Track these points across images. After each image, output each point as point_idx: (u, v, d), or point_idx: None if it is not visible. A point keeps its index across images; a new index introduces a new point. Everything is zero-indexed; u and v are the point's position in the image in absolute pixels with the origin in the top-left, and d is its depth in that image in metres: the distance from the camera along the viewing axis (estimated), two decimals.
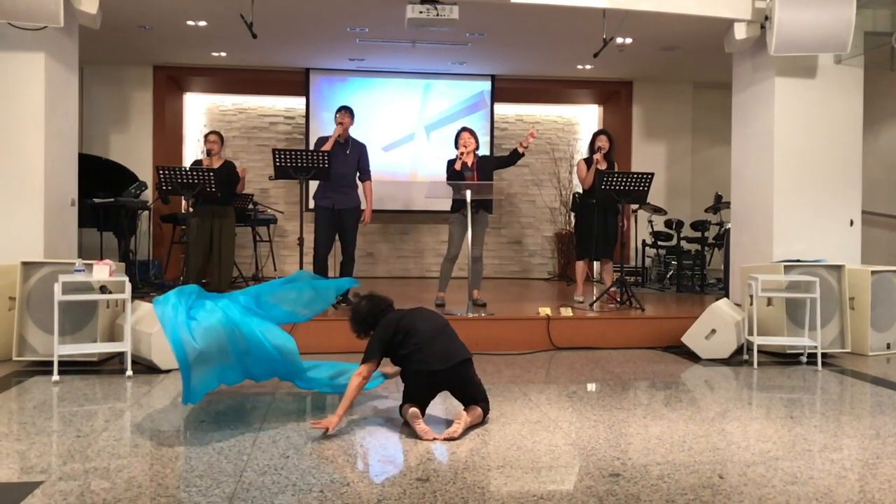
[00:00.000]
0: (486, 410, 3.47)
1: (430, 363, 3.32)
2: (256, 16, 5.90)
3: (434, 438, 3.16)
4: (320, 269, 6.11)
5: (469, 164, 6.13)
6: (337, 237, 6.27)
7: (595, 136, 6.68)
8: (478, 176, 6.09)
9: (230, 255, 6.59)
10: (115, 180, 7.77)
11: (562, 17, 6.64)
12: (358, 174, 6.31)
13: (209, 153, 6.51)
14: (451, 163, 6.21)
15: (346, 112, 6.25)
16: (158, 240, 8.75)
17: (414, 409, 3.29)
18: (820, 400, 4.18)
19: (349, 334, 5.45)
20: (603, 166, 6.49)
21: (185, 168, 6.06)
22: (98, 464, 2.81)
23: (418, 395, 3.39)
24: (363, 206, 6.38)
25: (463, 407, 3.42)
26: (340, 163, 6.07)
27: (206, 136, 6.68)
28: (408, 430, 3.32)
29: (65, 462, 2.84)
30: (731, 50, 6.40)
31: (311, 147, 6.23)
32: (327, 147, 6.02)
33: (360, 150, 6.32)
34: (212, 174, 5.92)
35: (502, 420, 3.51)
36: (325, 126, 8.79)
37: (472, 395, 3.46)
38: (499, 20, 6.97)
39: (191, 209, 6.35)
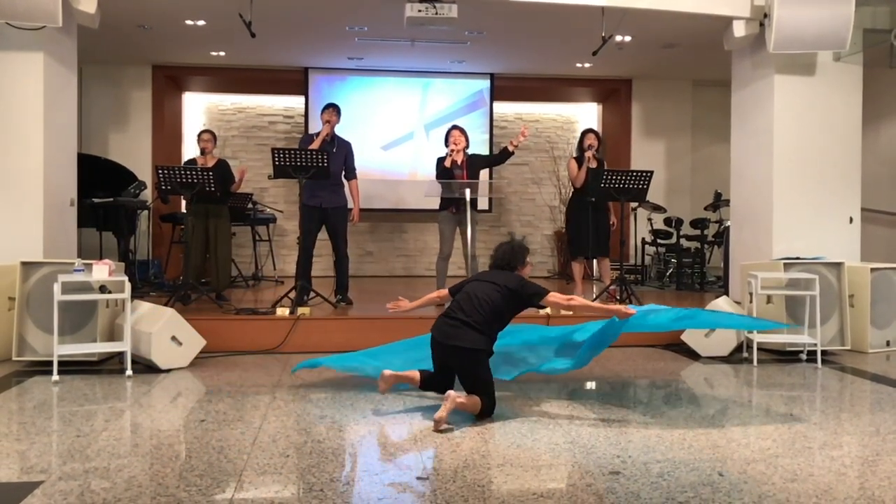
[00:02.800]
0: (485, 406, 3.46)
1: (436, 326, 3.62)
2: (255, 15, 5.89)
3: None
4: (307, 266, 6.12)
5: (459, 162, 6.14)
6: (327, 237, 6.25)
7: (583, 134, 6.75)
8: (467, 174, 6.12)
9: (227, 255, 6.57)
10: (114, 180, 7.76)
11: (561, 15, 6.63)
12: (343, 172, 6.28)
13: (203, 152, 6.51)
14: (440, 160, 6.22)
15: (333, 110, 6.23)
16: (158, 239, 8.74)
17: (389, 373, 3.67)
18: (820, 397, 4.18)
19: (349, 334, 5.49)
20: (594, 165, 6.53)
21: (184, 167, 6.04)
22: (98, 463, 2.81)
23: (432, 355, 3.68)
24: (350, 206, 6.36)
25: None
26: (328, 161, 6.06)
27: (199, 135, 6.67)
28: (409, 428, 3.33)
29: (65, 462, 2.84)
30: (730, 47, 6.40)
31: (297, 146, 6.18)
32: (315, 146, 6.00)
33: (346, 148, 6.29)
34: (211, 174, 5.92)
35: (502, 418, 3.51)
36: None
37: (471, 385, 3.51)
38: (498, 19, 6.97)
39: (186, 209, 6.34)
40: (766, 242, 6.20)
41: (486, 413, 3.47)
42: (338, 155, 6.18)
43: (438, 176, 6.13)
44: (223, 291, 6.49)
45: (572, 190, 6.82)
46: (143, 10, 6.69)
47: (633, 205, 8.52)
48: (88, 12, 5.49)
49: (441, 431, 3.24)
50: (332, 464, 2.87)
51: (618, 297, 6.33)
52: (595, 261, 6.89)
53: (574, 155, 6.81)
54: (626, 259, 8.78)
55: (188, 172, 5.88)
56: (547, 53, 8.21)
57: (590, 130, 6.82)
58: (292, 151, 5.80)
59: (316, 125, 9.02)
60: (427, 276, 9.44)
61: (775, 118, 6.14)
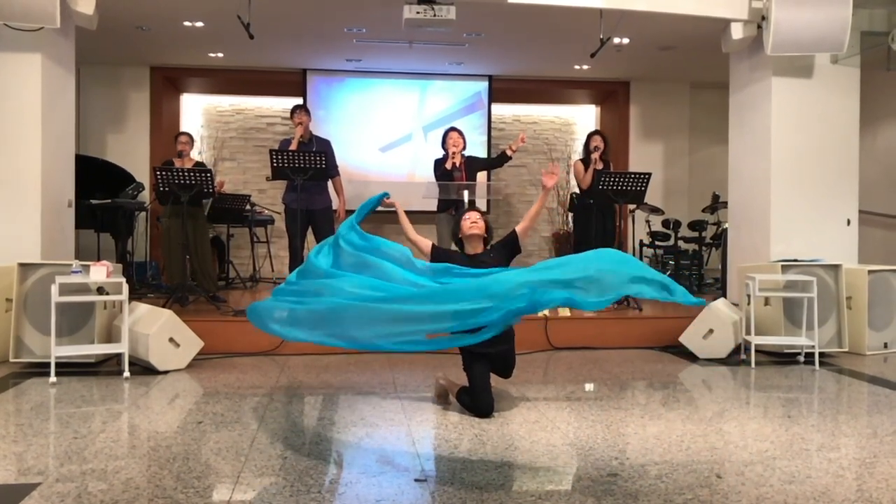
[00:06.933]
0: (461, 397, 3.67)
1: None
2: (253, 16, 5.89)
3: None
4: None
5: (457, 164, 6.15)
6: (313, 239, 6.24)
7: (590, 136, 6.77)
8: (465, 176, 6.14)
9: (207, 256, 6.49)
10: (112, 181, 7.75)
11: (559, 17, 6.64)
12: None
13: (181, 154, 6.45)
14: (439, 162, 6.23)
15: (302, 111, 6.22)
16: (156, 241, 8.70)
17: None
18: (817, 399, 4.18)
19: None
20: (600, 166, 6.55)
21: (183, 169, 6.01)
22: (95, 465, 2.81)
23: None
24: (335, 206, 6.34)
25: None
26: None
27: (177, 137, 6.62)
28: (407, 430, 3.33)
29: (62, 464, 2.83)
30: (728, 50, 6.41)
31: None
32: (292, 149, 5.98)
33: (325, 147, 6.25)
34: (209, 175, 5.91)
35: (500, 420, 3.51)
36: (321, 126, 8.77)
37: None
38: (496, 20, 6.97)
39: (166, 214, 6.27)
40: (763, 244, 6.21)
41: (464, 405, 3.64)
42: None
43: (438, 178, 6.14)
44: (216, 293, 6.44)
45: (577, 192, 6.84)
46: (141, 12, 6.69)
47: (631, 207, 8.53)
48: (86, 13, 5.49)
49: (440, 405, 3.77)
50: (329, 465, 2.86)
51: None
52: None
53: (580, 157, 6.84)
54: None
55: (187, 173, 5.87)
56: (545, 55, 8.22)
57: (596, 132, 6.87)
58: (290, 153, 5.81)
59: (313, 126, 9.02)
60: None
61: (773, 120, 6.15)
